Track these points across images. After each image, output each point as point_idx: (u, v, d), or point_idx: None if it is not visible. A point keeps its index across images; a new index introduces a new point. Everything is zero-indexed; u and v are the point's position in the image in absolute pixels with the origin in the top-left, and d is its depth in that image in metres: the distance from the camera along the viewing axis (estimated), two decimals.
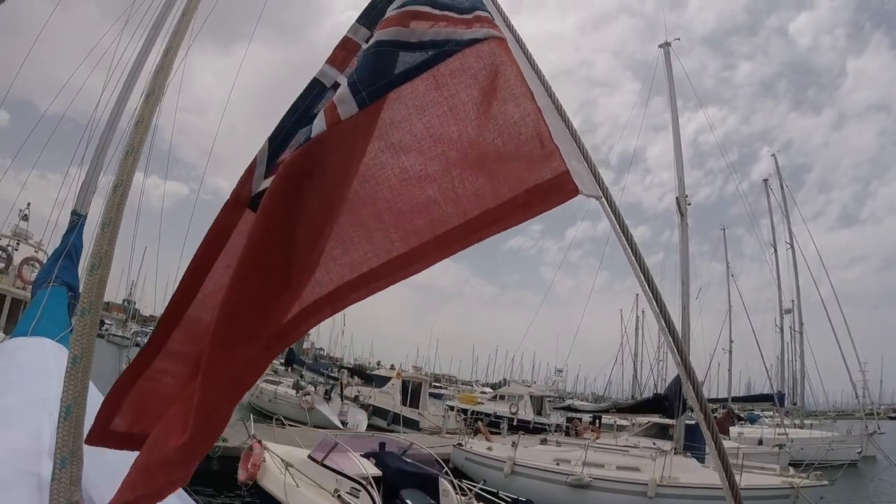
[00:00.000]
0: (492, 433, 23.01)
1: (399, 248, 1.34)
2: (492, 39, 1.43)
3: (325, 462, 10.17)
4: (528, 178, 1.29)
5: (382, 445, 11.76)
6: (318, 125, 1.33)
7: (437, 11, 1.48)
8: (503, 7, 1.53)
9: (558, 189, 1.26)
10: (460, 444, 18.96)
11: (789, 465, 18.45)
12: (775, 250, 42.23)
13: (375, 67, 1.41)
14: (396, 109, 1.40)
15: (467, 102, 1.39)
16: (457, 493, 10.33)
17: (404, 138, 1.40)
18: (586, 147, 1.23)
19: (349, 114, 1.34)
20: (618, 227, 1.17)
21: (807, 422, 37.48)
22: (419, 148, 1.39)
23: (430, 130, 1.39)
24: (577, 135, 1.25)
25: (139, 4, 6.15)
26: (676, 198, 20.59)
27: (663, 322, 1.08)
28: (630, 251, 1.16)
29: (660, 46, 23.49)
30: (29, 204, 26.01)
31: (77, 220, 5.37)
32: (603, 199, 1.19)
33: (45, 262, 5.32)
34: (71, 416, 0.83)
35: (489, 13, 1.50)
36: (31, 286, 7.74)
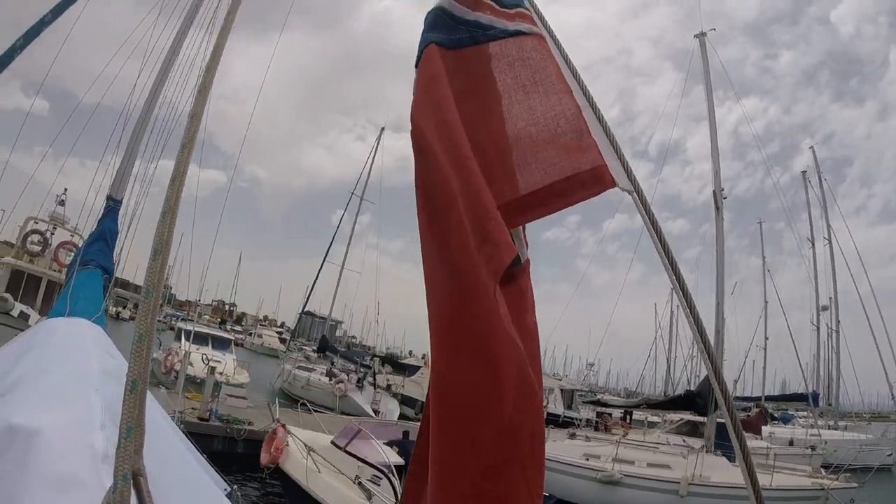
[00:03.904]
0: None
1: None
2: (534, 35, 1.44)
3: (348, 448, 10.26)
4: (565, 166, 1.27)
5: (406, 434, 11.83)
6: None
7: None
8: (540, 8, 1.54)
9: (596, 180, 1.25)
10: None
11: (822, 467, 18.09)
12: (812, 245, 40.84)
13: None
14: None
15: (497, 86, 1.38)
16: None
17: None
18: (619, 144, 1.25)
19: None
20: (648, 221, 1.20)
21: (841, 423, 36.51)
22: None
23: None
24: (610, 131, 1.28)
25: None
26: (713, 191, 20.17)
27: (691, 316, 1.10)
28: (660, 245, 1.18)
29: (695, 36, 22.81)
30: (66, 189, 26.76)
31: (112, 205, 5.51)
32: (635, 195, 1.22)
33: (80, 245, 5.47)
34: (137, 389, 0.91)
35: (530, 12, 1.51)
36: (66, 269, 7.95)
